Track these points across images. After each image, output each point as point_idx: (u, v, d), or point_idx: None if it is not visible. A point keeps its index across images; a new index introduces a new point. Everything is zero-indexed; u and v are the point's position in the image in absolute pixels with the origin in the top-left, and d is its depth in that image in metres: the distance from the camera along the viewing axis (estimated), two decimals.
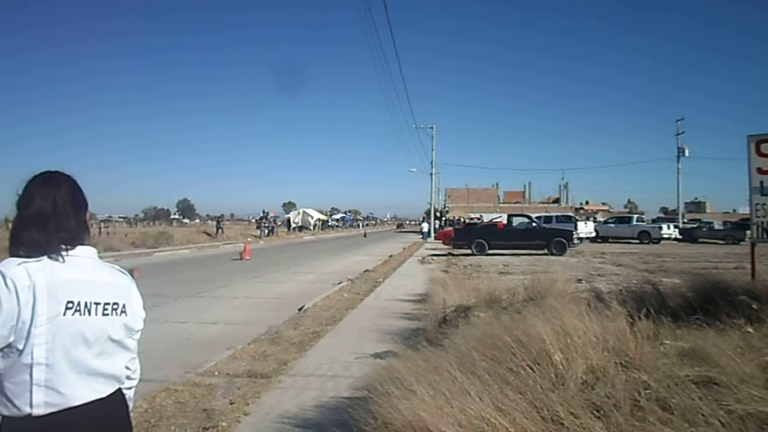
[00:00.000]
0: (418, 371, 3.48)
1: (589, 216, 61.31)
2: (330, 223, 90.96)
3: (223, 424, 4.60)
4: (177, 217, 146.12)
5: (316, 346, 7.42)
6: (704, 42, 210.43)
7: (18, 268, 1.67)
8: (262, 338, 8.09)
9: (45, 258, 1.73)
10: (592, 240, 39.21)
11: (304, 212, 76.25)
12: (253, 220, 79.27)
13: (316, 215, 79.22)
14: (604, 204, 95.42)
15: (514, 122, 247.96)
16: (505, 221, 28.53)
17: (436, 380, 3.24)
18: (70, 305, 1.72)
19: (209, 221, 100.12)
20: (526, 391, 3.13)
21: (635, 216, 47.06)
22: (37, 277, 1.68)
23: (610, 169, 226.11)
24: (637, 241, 38.50)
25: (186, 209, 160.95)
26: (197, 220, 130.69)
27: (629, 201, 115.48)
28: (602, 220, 50.77)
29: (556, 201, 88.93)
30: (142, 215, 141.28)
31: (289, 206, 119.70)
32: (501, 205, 79.17)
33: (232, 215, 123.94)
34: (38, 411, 1.66)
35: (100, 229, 45.06)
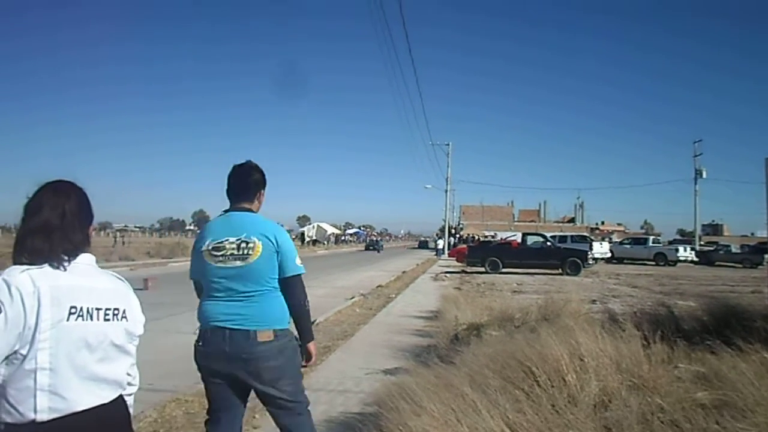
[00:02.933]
0: (429, 388, 3.46)
1: (604, 236, 60.92)
2: (344, 238, 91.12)
3: None
4: (192, 227, 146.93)
5: (326, 360, 7.40)
6: (722, 65, 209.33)
7: (22, 275, 1.69)
8: None
9: (46, 266, 1.75)
10: (607, 261, 38.86)
11: (318, 226, 76.48)
12: None
13: (330, 229, 79.44)
14: (619, 224, 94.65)
15: (530, 141, 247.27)
16: (519, 240, 28.40)
17: (447, 397, 3.23)
18: (73, 311, 1.74)
19: None
20: (539, 410, 3.10)
21: (651, 237, 46.64)
22: (41, 283, 1.70)
23: (626, 189, 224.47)
24: (653, 262, 38.10)
25: (201, 220, 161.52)
26: None
27: (645, 222, 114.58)
28: (618, 240, 50.34)
29: (572, 220, 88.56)
30: (157, 225, 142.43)
31: (303, 220, 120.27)
32: (516, 223, 79.05)
33: None
34: (42, 417, 1.67)
35: (115, 238, 45.42)
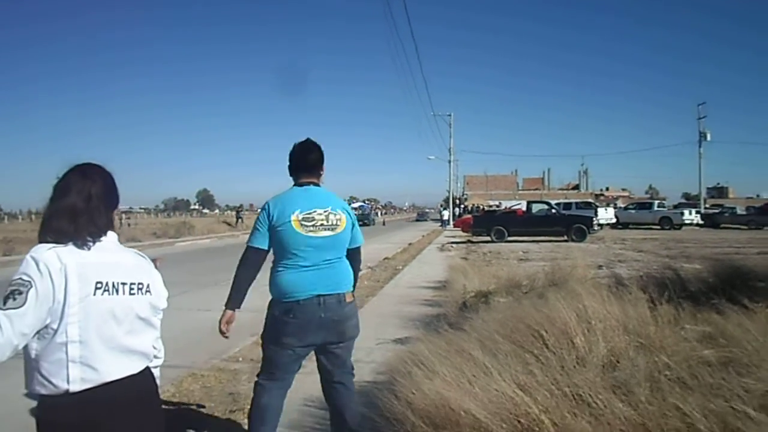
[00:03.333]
0: (441, 353, 3.54)
1: (609, 202, 60.76)
2: None
3: (248, 407, 4.70)
4: (197, 207, 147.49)
5: None
6: (725, 25, 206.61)
7: (49, 252, 1.75)
8: None
9: (71, 244, 1.82)
10: (613, 226, 38.91)
11: None
12: None
13: None
14: (624, 190, 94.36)
15: (533, 110, 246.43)
16: (524, 208, 28.44)
17: (459, 362, 3.31)
18: (99, 285, 1.81)
19: (228, 211, 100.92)
20: (548, 372, 3.17)
21: (656, 202, 46.45)
22: (67, 260, 1.76)
23: (630, 154, 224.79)
24: (658, 227, 38.12)
25: (205, 200, 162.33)
26: (216, 211, 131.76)
27: (650, 187, 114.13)
28: (623, 206, 50.25)
29: (576, 187, 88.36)
30: (162, 206, 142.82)
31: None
32: (520, 192, 78.89)
33: (251, 205, 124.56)
34: (75, 387, 1.75)
35: (121, 219, 45.56)
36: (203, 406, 4.80)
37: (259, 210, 3.71)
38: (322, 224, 3.26)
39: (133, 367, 1.91)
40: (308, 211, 3.24)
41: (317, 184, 3.42)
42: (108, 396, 1.80)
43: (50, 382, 1.74)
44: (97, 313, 1.80)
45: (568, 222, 25.64)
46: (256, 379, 3.50)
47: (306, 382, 5.29)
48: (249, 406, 4.64)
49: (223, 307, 3.42)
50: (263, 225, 3.26)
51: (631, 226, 39.85)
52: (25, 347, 1.74)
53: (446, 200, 58.05)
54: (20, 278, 1.70)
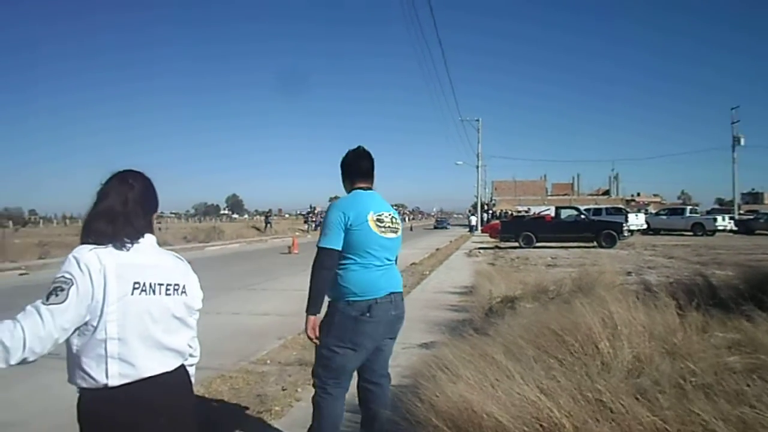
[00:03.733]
0: (465, 357, 3.57)
1: (640, 208, 59.97)
2: None
3: (276, 408, 4.80)
4: (226, 212, 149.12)
5: None
6: (761, 27, 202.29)
7: (90, 254, 1.85)
8: None
9: (111, 246, 1.91)
10: (644, 232, 38.36)
11: None
12: (301, 215, 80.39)
13: None
14: (656, 195, 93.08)
15: (562, 113, 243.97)
16: (553, 213, 28.22)
17: (482, 366, 3.33)
18: (136, 285, 1.90)
19: (257, 216, 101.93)
20: (572, 377, 3.18)
21: (689, 207, 45.71)
22: (107, 260, 1.86)
23: (662, 159, 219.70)
24: (690, 233, 37.45)
25: (235, 205, 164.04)
26: (246, 216, 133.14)
27: (682, 192, 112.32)
28: (654, 212, 49.50)
29: (606, 193, 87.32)
30: (192, 211, 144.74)
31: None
32: (549, 197, 78.25)
33: (279, 210, 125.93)
34: (113, 382, 1.84)
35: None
36: (232, 407, 4.89)
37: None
38: (388, 227, 3.40)
39: (169, 364, 2.00)
40: (378, 213, 3.38)
41: (372, 189, 3.56)
42: (145, 391, 1.89)
43: (90, 376, 1.84)
44: (134, 312, 1.89)
45: (598, 228, 25.37)
46: (317, 390, 3.41)
47: None
48: (276, 407, 4.76)
49: (306, 314, 3.39)
50: (338, 226, 3.29)
51: (662, 233, 39.27)
52: (67, 342, 1.84)
53: (474, 206, 57.87)
54: (63, 276, 1.80)
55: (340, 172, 3.64)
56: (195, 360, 2.22)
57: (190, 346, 2.15)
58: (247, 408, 4.86)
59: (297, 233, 41.74)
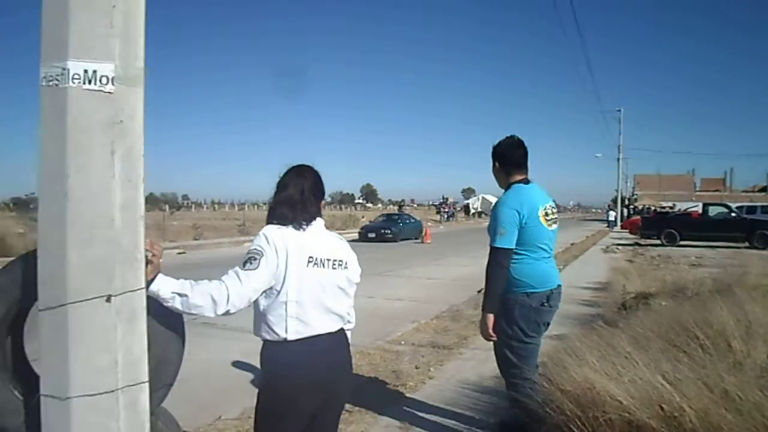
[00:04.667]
0: (592, 345, 3.72)
1: None
2: None
3: (410, 383, 5.20)
4: (361, 201, 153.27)
5: None
6: None
7: (276, 231, 2.33)
8: (443, 315, 8.67)
9: (290, 227, 2.36)
10: None
11: (483, 198, 76.29)
12: (433, 206, 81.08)
13: (495, 201, 78.93)
14: None
15: (712, 103, 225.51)
16: (700, 210, 26.52)
17: (609, 353, 3.48)
18: (311, 259, 2.34)
19: (391, 206, 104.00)
20: (699, 370, 3.24)
21: None
22: (288, 239, 2.32)
23: None
24: None
25: (369, 194, 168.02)
26: (379, 205, 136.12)
27: None
28: None
29: (763, 190, 79.85)
30: (329, 199, 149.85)
31: (468, 192, 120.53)
32: (697, 193, 72.95)
33: (412, 200, 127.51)
34: (291, 336, 2.29)
35: None
36: (371, 379, 5.36)
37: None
38: (552, 219, 3.57)
39: (333, 326, 2.43)
40: (544, 207, 3.53)
41: (529, 180, 3.65)
42: (314, 346, 2.33)
43: (273, 330, 2.30)
44: (308, 281, 2.32)
45: (751, 227, 23.49)
46: (518, 383, 3.49)
47: (464, 368, 5.69)
48: (410, 383, 5.14)
49: (482, 312, 3.58)
50: (513, 225, 3.42)
51: None
52: (256, 302, 2.31)
53: (614, 200, 55.37)
54: (256, 248, 2.28)
55: (491, 160, 3.72)
56: (351, 326, 2.64)
57: (348, 313, 2.56)
58: (384, 381, 5.31)
59: (430, 224, 42.27)
